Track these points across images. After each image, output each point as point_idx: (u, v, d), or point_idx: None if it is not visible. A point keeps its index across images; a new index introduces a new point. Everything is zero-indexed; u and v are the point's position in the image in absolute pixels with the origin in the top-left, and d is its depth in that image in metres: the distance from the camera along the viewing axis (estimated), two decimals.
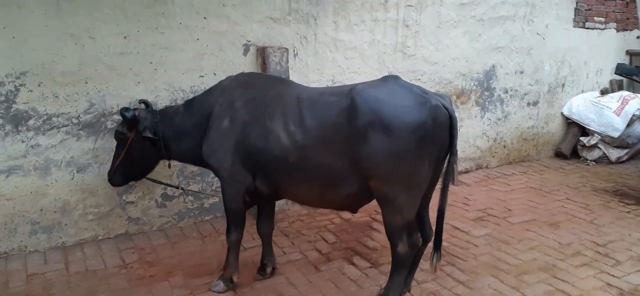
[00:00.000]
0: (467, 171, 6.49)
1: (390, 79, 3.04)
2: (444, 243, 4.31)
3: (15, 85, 3.87)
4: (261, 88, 3.39)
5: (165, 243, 4.31)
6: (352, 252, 4.16)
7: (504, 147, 6.88)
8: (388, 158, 2.80)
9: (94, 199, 4.30)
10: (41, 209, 4.10)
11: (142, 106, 3.84)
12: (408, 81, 5.72)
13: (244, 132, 3.24)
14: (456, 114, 6.19)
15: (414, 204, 3.00)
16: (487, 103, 6.57)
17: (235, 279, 3.50)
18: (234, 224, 3.43)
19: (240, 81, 3.52)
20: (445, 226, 4.64)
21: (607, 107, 6.97)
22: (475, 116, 6.50)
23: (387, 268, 3.39)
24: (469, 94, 6.38)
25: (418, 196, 3.01)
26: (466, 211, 5.10)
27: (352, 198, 3.09)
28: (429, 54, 5.92)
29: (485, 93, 6.53)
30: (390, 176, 2.87)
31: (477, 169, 6.62)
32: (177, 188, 4.38)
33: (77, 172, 4.20)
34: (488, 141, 6.69)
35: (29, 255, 4.06)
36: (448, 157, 3.06)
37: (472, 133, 6.50)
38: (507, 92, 6.74)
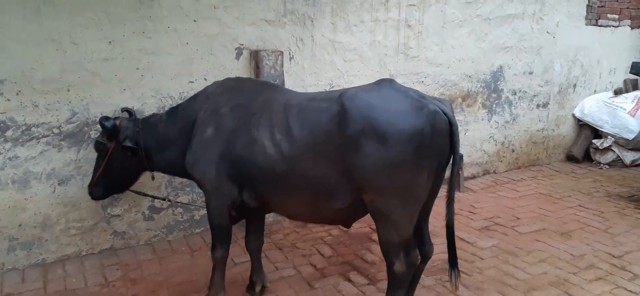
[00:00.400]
0: (473, 177, 6.21)
1: (385, 83, 2.79)
2: (445, 256, 4.09)
3: None
4: (248, 94, 3.16)
5: (151, 259, 4.09)
6: (349, 267, 3.92)
7: (513, 151, 6.59)
8: (382, 168, 2.57)
9: (77, 213, 4.09)
10: (20, 225, 3.89)
11: (126, 114, 3.63)
12: (411, 84, 5.61)
13: (229, 141, 3.01)
14: (462, 118, 6.10)
15: (411, 219, 2.76)
16: (494, 105, 6.29)
17: None
18: (220, 240, 3.20)
19: (227, 86, 3.30)
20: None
21: (621, 107, 6.66)
22: (482, 119, 6.22)
23: (386, 284, 3.13)
24: (475, 97, 6.11)
25: (415, 210, 2.76)
26: (472, 220, 4.83)
27: (345, 212, 2.85)
28: (433, 55, 5.66)
29: (493, 95, 6.25)
30: (385, 189, 2.63)
31: (484, 174, 6.34)
32: (163, 199, 4.16)
33: (59, 184, 4.00)
34: (495, 144, 6.40)
35: (6, 273, 3.84)
36: (452, 166, 2.81)
37: (479, 137, 6.22)
38: (515, 93, 6.45)
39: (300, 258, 4.08)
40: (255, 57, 4.46)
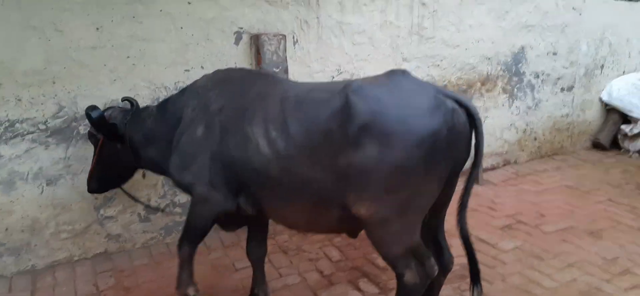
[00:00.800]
0: (493, 168, 5.83)
1: (397, 74, 2.43)
2: (464, 260, 3.75)
3: None
4: (240, 87, 2.81)
5: (147, 264, 3.82)
6: (358, 273, 3.60)
7: (535, 139, 6.18)
8: (385, 173, 2.22)
9: (68, 216, 3.82)
10: (6, 229, 3.63)
11: (127, 105, 3.34)
12: (426, 68, 5.20)
13: (221, 141, 2.68)
14: (481, 104, 5.68)
15: (413, 230, 2.42)
16: (515, 90, 5.87)
17: (192, 293, 2.91)
18: (190, 239, 2.87)
19: (217, 79, 2.95)
20: None
21: None
22: (503, 105, 5.81)
23: None
24: (495, 81, 5.69)
25: (419, 219, 2.43)
26: (492, 218, 4.47)
27: (349, 221, 2.49)
28: (449, 36, 5.25)
29: (514, 79, 5.83)
30: (385, 197, 2.28)
31: (504, 165, 5.95)
32: (156, 210, 3.88)
33: (47, 185, 3.72)
34: (517, 132, 5.99)
35: None
36: (472, 168, 2.47)
37: (499, 124, 5.82)
38: (538, 76, 6.01)
39: (306, 263, 3.78)
40: (256, 42, 4.10)
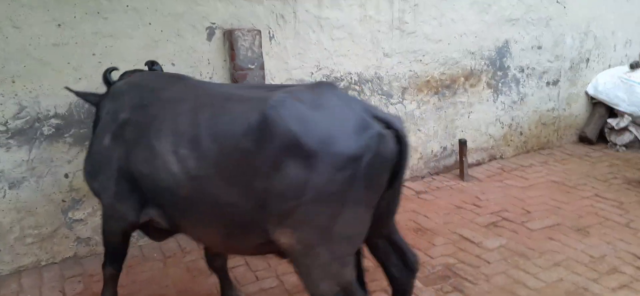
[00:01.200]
0: (478, 164, 5.72)
1: (324, 88, 2.15)
2: (449, 259, 3.64)
3: None
4: (152, 92, 2.54)
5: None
6: None
7: (521, 134, 6.07)
8: (306, 199, 1.96)
9: (33, 219, 3.64)
10: None
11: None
12: (408, 63, 5.07)
13: (127, 155, 2.44)
14: (465, 99, 5.58)
15: (342, 263, 2.11)
16: (500, 85, 5.76)
17: None
18: (111, 259, 2.72)
19: (131, 83, 2.70)
20: (452, 237, 3.99)
21: (639, 83, 6.10)
22: (487, 100, 5.70)
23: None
24: (479, 75, 5.57)
25: (349, 251, 2.13)
26: (477, 215, 4.35)
27: (272, 247, 2.21)
28: (432, 30, 5.12)
29: (498, 73, 5.72)
30: (307, 226, 2.03)
31: (490, 160, 5.84)
32: None
33: (10, 188, 3.53)
34: (502, 127, 5.89)
35: None
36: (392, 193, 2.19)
37: (484, 120, 5.71)
38: (523, 71, 5.91)
39: (284, 266, 3.61)
40: (230, 37, 3.94)
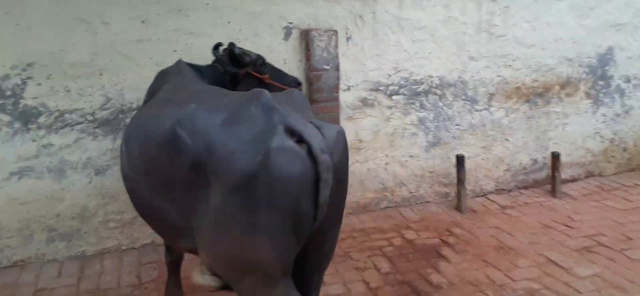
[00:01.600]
0: (573, 180, 5.19)
1: (254, 96, 1.88)
2: (533, 284, 3.28)
3: (21, 78, 3.47)
4: (158, 86, 2.69)
5: (194, 257, 3.69)
6: (408, 289, 3.25)
7: (624, 150, 5.44)
8: (211, 222, 1.79)
9: (116, 205, 3.82)
10: (58, 215, 3.70)
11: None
12: (496, 68, 4.71)
13: None
14: (560, 109, 5.10)
15: (270, 285, 1.81)
16: (601, 95, 5.20)
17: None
18: (166, 247, 2.92)
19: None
20: (538, 259, 3.61)
21: None
22: (586, 111, 5.17)
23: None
24: (577, 84, 5.08)
25: (273, 285, 1.81)
26: (568, 237, 3.91)
27: None
28: (523, 34, 4.75)
29: (600, 82, 5.17)
30: (212, 251, 1.85)
31: (586, 177, 5.28)
32: None
33: (96, 175, 3.75)
34: (603, 142, 5.31)
35: (45, 264, 3.68)
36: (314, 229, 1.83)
37: (581, 132, 5.18)
38: (629, 81, 5.31)
39: (352, 272, 3.48)
40: (306, 37, 3.90)
